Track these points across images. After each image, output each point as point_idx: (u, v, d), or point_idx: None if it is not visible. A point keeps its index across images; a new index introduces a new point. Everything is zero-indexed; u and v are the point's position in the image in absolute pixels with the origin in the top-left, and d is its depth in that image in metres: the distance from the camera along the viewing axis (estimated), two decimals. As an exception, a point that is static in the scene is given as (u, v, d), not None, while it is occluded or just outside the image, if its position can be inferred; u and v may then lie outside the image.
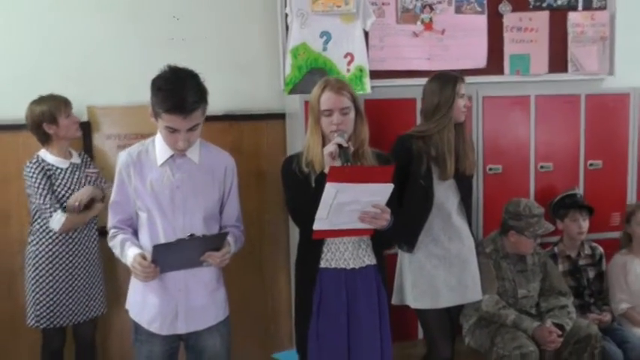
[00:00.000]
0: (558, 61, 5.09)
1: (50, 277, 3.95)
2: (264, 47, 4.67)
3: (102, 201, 4.02)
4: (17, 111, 4.06)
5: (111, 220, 3.15)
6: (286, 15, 4.59)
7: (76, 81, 4.41)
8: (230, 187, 3.21)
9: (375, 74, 4.75)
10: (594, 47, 5.16)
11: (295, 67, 4.62)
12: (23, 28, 4.39)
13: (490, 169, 4.51)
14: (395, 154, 3.69)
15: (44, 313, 3.96)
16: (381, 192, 2.93)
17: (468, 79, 4.68)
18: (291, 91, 4.62)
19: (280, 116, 4.70)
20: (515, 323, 4.03)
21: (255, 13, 4.65)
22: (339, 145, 3.01)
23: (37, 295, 3.96)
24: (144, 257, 2.91)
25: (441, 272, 3.80)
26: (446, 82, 3.80)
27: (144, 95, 4.44)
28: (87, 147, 4.44)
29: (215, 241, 2.99)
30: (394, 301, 3.89)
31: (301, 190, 3.15)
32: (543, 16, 5.03)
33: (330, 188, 2.82)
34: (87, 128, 4.42)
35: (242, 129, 4.65)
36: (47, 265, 3.95)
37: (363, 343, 3.23)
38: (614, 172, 4.75)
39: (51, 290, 3.95)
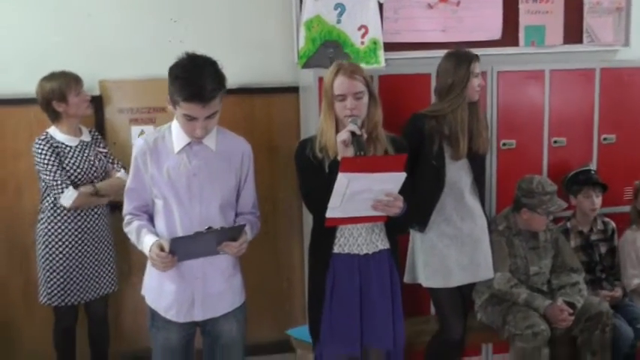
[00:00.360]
0: (573, 32, 5.05)
1: (60, 255, 3.96)
2: (278, 20, 4.62)
3: (96, 195, 3.97)
4: (29, 85, 4.04)
5: (126, 207, 3.14)
6: (301, -13, 4.54)
7: (88, 54, 4.39)
8: (247, 174, 3.19)
9: (390, 47, 4.72)
10: (610, 18, 5.10)
11: (309, 40, 4.59)
12: (35, 2, 4.35)
13: (504, 145, 4.49)
14: (406, 133, 3.70)
15: (55, 291, 3.98)
16: (393, 180, 2.92)
17: (483, 50, 4.68)
18: (305, 65, 4.59)
19: (294, 89, 4.67)
20: (527, 302, 4.05)
21: (269, -15, 4.60)
22: (352, 133, 2.99)
23: (48, 273, 3.97)
24: (161, 248, 2.90)
25: (453, 252, 3.82)
26: (461, 61, 3.76)
27: (156, 68, 4.46)
28: (99, 121, 4.44)
29: (232, 233, 3.00)
30: (406, 279, 3.91)
31: (315, 176, 3.15)
32: (559, -13, 4.97)
33: (342, 178, 2.82)
34: (99, 102, 4.41)
35: (254, 102, 4.63)
36: (57, 242, 3.96)
37: (375, 327, 3.26)
38: (628, 146, 4.71)
39: (61, 268, 3.96)
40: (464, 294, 4.02)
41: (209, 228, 2.92)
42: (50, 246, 3.96)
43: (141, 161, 3.05)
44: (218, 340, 3.23)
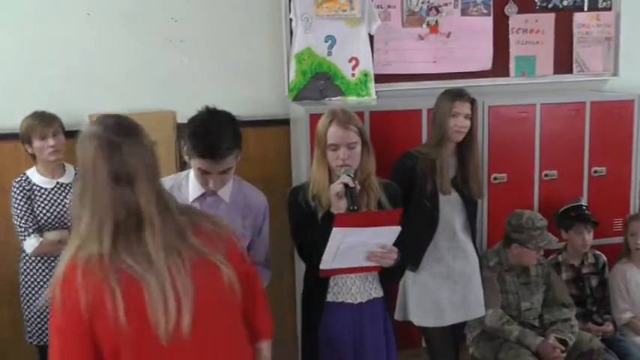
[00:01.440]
0: (563, 62, 5.11)
1: (37, 296, 3.88)
2: (268, 52, 4.62)
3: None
4: (17, 119, 4.00)
5: None
6: (290, 20, 4.53)
7: (78, 88, 4.36)
8: (261, 227, 3.23)
9: (380, 78, 4.74)
10: (599, 48, 5.15)
11: (300, 73, 4.58)
12: (24, 34, 4.33)
13: (495, 179, 4.49)
14: (397, 172, 3.73)
15: (34, 330, 3.92)
16: (388, 234, 2.92)
17: (474, 81, 4.71)
18: (296, 97, 4.59)
19: (285, 122, 4.66)
20: (519, 339, 4.06)
21: (259, 18, 4.59)
22: (346, 185, 2.98)
23: (26, 312, 3.93)
24: None
25: (445, 291, 3.82)
26: (445, 99, 3.77)
27: (145, 102, 4.46)
28: (89, 155, 4.39)
29: None
30: (397, 317, 3.88)
31: (308, 226, 3.13)
32: (549, 18, 5.00)
33: (336, 233, 2.82)
34: (90, 137, 4.37)
35: (246, 135, 4.47)
36: (32, 282, 3.90)
37: (369, 375, 3.25)
38: (618, 178, 4.74)
39: (38, 308, 3.87)
40: (455, 329, 4.01)
41: None
42: (27, 286, 3.91)
43: None
44: None
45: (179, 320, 1.96)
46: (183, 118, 4.41)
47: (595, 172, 4.67)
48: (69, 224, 3.87)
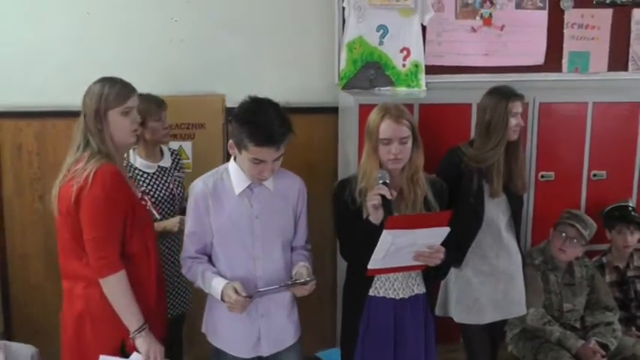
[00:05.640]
0: (619, 59, 4.99)
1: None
2: (319, 40, 4.61)
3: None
4: (70, 98, 4.05)
5: (187, 251, 3.15)
6: (343, 9, 4.52)
7: (130, 69, 4.29)
8: (301, 211, 3.24)
9: (431, 70, 4.70)
10: (658, 46, 5.02)
11: (350, 61, 4.57)
12: (78, 17, 4.41)
13: (542, 177, 4.44)
14: (443, 168, 3.71)
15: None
16: (437, 235, 2.94)
17: (526, 76, 4.65)
18: (346, 86, 4.58)
19: (333, 110, 4.65)
20: (560, 341, 4.04)
21: (312, 6, 4.58)
22: (382, 197, 2.99)
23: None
24: (236, 291, 2.94)
25: (487, 288, 3.80)
26: (499, 99, 3.70)
27: (195, 85, 4.47)
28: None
29: (308, 281, 3.06)
30: (437, 312, 3.86)
31: (352, 225, 3.15)
32: (606, 13, 4.90)
33: (387, 235, 2.84)
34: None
35: (295, 122, 4.54)
36: None
37: (408, 371, 3.26)
38: (670, 180, 4.65)
39: None
40: (495, 327, 3.99)
41: (295, 280, 3.03)
42: None
43: (202, 204, 3.07)
44: None
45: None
46: (232, 102, 4.47)
47: (645, 174, 4.59)
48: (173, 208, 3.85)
